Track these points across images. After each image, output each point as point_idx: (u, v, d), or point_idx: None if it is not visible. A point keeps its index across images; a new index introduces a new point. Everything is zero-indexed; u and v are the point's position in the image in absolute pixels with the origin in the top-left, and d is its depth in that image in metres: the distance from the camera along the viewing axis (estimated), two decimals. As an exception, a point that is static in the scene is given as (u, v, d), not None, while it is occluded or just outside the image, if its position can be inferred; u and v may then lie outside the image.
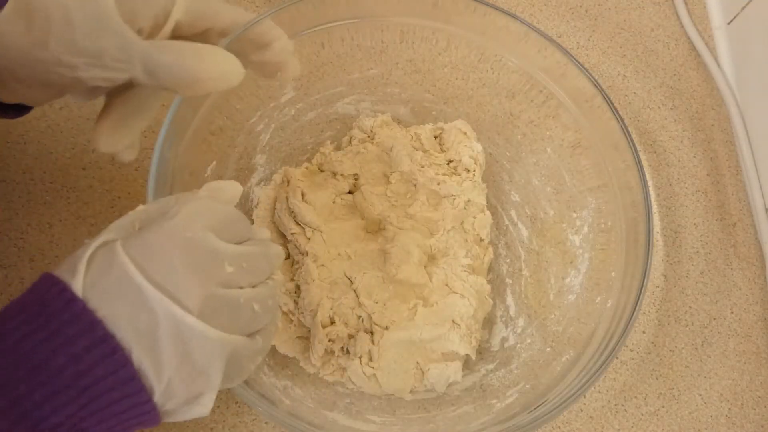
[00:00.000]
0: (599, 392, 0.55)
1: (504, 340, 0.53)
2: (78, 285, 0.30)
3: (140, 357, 0.30)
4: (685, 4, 0.70)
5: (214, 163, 0.49)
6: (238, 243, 0.34)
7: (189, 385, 0.31)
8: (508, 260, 0.56)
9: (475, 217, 0.54)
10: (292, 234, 0.52)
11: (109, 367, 0.30)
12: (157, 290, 0.30)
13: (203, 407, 0.33)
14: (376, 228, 0.54)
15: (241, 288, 0.33)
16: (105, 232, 0.33)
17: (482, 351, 0.53)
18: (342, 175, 0.54)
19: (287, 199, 0.52)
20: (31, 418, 0.29)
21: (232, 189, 0.37)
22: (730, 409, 0.56)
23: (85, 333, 0.29)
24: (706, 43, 0.68)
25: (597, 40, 0.67)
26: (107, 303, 0.30)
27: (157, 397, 0.31)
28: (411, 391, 0.49)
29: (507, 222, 0.57)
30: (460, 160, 0.55)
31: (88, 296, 0.30)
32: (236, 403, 0.50)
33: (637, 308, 0.44)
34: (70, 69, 0.34)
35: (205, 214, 0.33)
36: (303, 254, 0.51)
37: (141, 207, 0.34)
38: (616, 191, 0.50)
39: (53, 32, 0.34)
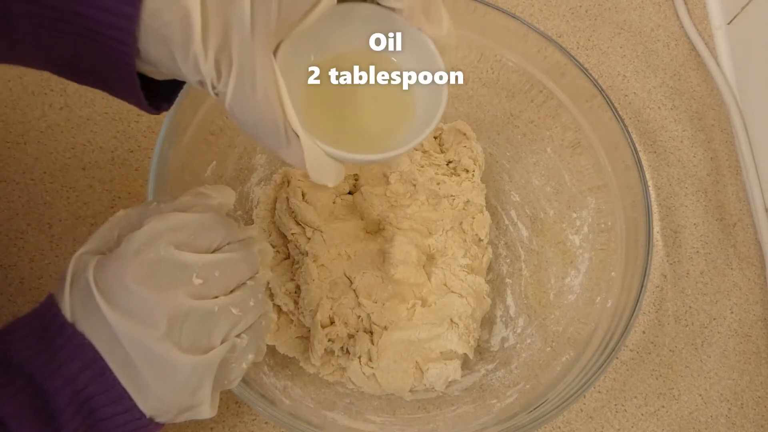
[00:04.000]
0: (599, 392, 0.55)
1: (504, 340, 0.53)
2: (66, 308, 0.31)
3: (122, 380, 0.31)
4: (685, 4, 0.70)
5: (214, 163, 0.49)
6: (216, 249, 0.34)
7: (177, 400, 0.32)
8: (508, 260, 0.56)
9: (473, 218, 0.54)
10: (292, 234, 0.52)
11: (100, 386, 0.31)
12: (119, 316, 0.30)
13: (203, 414, 0.33)
14: (375, 228, 0.54)
15: (216, 297, 0.33)
16: (87, 242, 0.33)
17: (482, 351, 0.53)
18: (342, 175, 0.54)
19: (288, 199, 0.52)
20: None
21: (221, 195, 0.36)
22: (730, 409, 0.56)
23: (76, 355, 0.30)
24: (706, 43, 0.68)
25: (597, 40, 0.67)
26: (89, 329, 0.31)
27: (150, 413, 0.32)
28: (411, 391, 0.49)
29: (507, 222, 0.57)
30: (460, 161, 0.55)
31: (77, 318, 0.31)
32: (236, 403, 0.50)
33: (637, 308, 0.44)
34: None
35: (168, 230, 0.32)
36: (303, 254, 0.51)
37: (121, 212, 0.34)
38: (616, 191, 0.50)
39: None
